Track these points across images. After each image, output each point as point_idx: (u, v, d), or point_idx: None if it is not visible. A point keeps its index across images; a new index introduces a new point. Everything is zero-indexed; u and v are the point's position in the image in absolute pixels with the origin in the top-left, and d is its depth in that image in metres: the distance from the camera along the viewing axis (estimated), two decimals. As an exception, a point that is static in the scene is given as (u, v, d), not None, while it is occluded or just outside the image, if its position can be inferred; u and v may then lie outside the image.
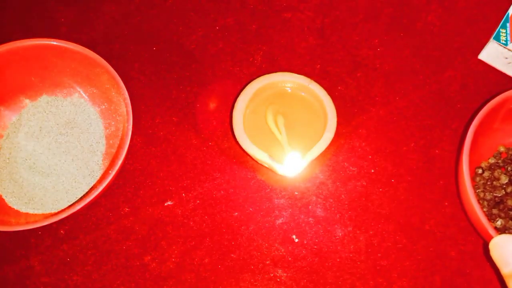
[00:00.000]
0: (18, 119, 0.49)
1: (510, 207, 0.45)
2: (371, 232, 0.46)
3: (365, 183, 0.48)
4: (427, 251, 0.46)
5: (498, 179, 0.46)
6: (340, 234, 0.46)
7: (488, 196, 0.46)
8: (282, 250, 0.46)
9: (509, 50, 0.49)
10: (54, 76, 0.49)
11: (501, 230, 0.44)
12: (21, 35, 0.47)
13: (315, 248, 0.46)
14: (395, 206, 0.47)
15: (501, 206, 0.45)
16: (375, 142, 0.50)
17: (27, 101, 0.50)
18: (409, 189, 0.48)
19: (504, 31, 0.50)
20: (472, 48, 0.53)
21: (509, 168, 0.47)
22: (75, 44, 0.46)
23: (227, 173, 0.49)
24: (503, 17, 0.50)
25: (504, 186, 0.46)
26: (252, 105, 0.48)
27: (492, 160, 0.48)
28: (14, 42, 0.46)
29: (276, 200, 0.48)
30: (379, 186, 0.48)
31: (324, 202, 0.48)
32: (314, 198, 0.48)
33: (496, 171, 0.47)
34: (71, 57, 0.47)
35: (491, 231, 0.39)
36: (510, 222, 0.45)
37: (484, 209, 0.45)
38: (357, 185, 0.48)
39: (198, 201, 0.48)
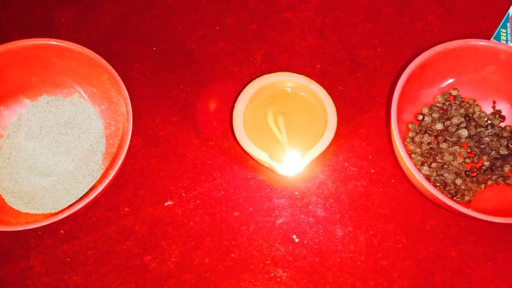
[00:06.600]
0: (18, 119, 0.49)
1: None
2: (371, 232, 0.46)
3: (365, 183, 0.48)
4: (427, 251, 0.46)
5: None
6: (341, 234, 0.46)
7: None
8: (283, 250, 0.46)
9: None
10: (54, 76, 0.49)
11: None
12: (21, 35, 0.47)
13: (315, 248, 0.46)
14: (395, 206, 0.47)
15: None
16: (375, 142, 0.50)
17: (27, 101, 0.50)
18: (409, 189, 0.48)
19: (504, 31, 0.50)
20: (472, 48, 0.53)
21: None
22: (75, 44, 0.46)
23: (227, 173, 0.49)
24: (503, 17, 0.50)
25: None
26: (252, 105, 0.48)
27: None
28: (14, 42, 0.46)
29: (276, 200, 0.48)
30: (379, 186, 0.48)
31: (324, 202, 0.48)
32: (314, 198, 0.48)
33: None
34: (71, 57, 0.47)
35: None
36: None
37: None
38: (357, 185, 0.48)
39: (198, 201, 0.48)
